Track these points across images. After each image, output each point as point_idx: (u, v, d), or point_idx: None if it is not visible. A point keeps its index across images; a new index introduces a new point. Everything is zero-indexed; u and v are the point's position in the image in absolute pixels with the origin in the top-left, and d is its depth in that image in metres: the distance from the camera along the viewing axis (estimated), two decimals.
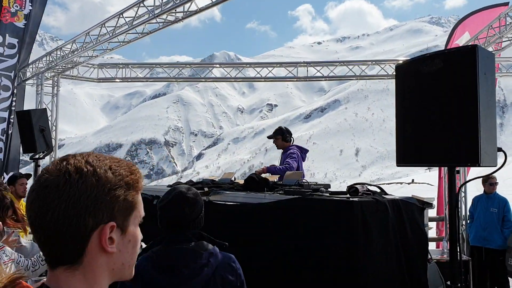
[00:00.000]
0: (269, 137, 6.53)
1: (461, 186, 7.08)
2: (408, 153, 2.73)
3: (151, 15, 6.10)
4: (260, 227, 4.27)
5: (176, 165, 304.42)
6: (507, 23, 6.84)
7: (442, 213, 8.68)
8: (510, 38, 7.15)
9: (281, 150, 6.32)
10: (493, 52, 7.72)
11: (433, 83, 2.50)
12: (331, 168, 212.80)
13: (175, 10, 5.96)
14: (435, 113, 2.49)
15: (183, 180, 6.09)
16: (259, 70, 10.03)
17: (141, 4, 6.26)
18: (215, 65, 10.55)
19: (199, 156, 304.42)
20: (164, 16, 6.15)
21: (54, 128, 9.29)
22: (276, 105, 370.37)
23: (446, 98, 2.44)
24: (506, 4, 7.92)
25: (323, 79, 9.79)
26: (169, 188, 5.54)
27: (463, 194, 8.55)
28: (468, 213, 7.99)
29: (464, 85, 2.36)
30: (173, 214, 2.12)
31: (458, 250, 2.63)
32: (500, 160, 2.50)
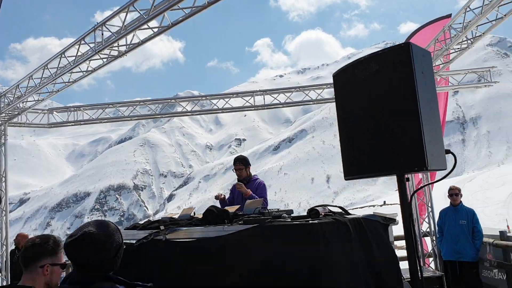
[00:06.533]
0: (239, 163, 6.13)
1: (413, 194, 7.00)
2: (355, 165, 2.55)
3: (92, 52, 5.89)
4: (219, 262, 4.01)
5: (147, 208, 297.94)
6: (452, 35, 6.99)
7: None
8: (457, 49, 7.30)
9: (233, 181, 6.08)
10: (442, 64, 7.88)
11: (371, 87, 2.36)
12: (304, 197, 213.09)
13: (118, 44, 5.78)
14: (375, 119, 2.33)
15: None
16: (215, 102, 9.90)
17: (82, 42, 6.05)
18: (170, 101, 10.35)
19: (170, 197, 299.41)
20: (106, 52, 5.95)
21: (3, 179, 8.78)
22: (244, 139, 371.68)
23: (386, 102, 2.30)
24: (449, 16, 8.14)
25: (281, 105, 9.73)
26: (126, 231, 5.20)
27: (430, 209, 8.51)
28: (436, 228, 7.91)
29: (402, 86, 2.22)
30: (76, 255, 1.87)
31: (419, 266, 2.43)
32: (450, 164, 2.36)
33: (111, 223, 2.04)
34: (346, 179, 2.63)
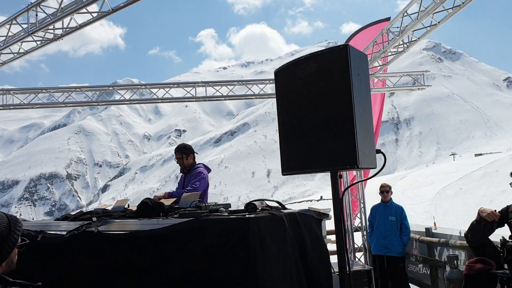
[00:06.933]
0: (180, 152, 5.93)
1: (345, 190, 7.26)
2: (292, 160, 2.61)
3: (25, 33, 5.56)
4: (153, 256, 3.94)
5: (80, 199, 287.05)
6: (390, 38, 7.29)
7: (344, 225, 8.88)
8: (394, 52, 7.62)
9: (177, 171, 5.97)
10: (380, 66, 8.21)
11: (309, 86, 2.42)
12: (244, 190, 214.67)
13: (53, 26, 5.50)
14: (313, 117, 2.40)
15: None
16: (155, 91, 9.69)
17: (14, 22, 5.69)
18: (107, 88, 9.99)
19: (104, 188, 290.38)
20: (41, 34, 5.64)
21: None
22: (184, 131, 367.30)
23: (322, 101, 2.36)
24: (388, 19, 8.48)
25: (223, 98, 9.70)
26: (56, 221, 4.98)
27: (362, 205, 8.85)
28: (368, 223, 8.23)
29: (339, 87, 2.30)
30: None
31: (346, 259, 2.54)
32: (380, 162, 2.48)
33: (2, 213, 1.94)
34: (283, 174, 2.68)
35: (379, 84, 9.25)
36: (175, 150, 5.97)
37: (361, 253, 8.90)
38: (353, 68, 2.28)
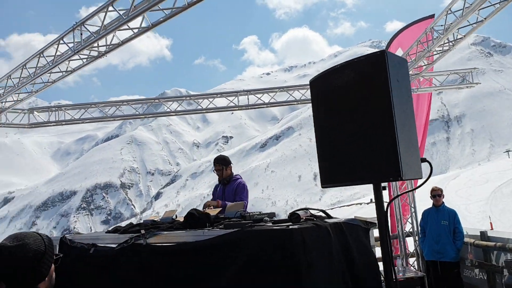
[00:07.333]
0: (220, 164, 6.00)
1: (389, 203, 7.03)
2: (332, 173, 2.52)
3: (71, 52, 5.78)
4: (199, 267, 3.97)
5: (134, 207, 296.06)
6: (434, 37, 7.00)
7: (395, 231, 8.61)
8: (439, 51, 7.32)
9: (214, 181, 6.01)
10: (425, 65, 7.92)
11: (347, 95, 2.33)
12: (292, 194, 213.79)
13: (97, 44, 5.68)
14: (351, 128, 2.30)
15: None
16: (200, 102, 9.83)
17: (61, 41, 5.93)
18: (154, 101, 10.24)
19: (157, 196, 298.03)
20: (86, 52, 5.84)
21: None
22: (231, 137, 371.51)
23: (361, 110, 2.26)
24: (432, 16, 8.16)
25: (265, 105, 9.69)
26: (107, 234, 5.12)
27: (413, 210, 8.54)
28: (419, 228, 7.96)
29: (377, 95, 2.19)
30: None
31: (393, 271, 2.42)
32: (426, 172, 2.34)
33: (34, 233, 2.04)
34: (323, 187, 2.60)
35: (426, 83, 8.93)
36: (214, 161, 6.06)
37: (413, 259, 8.60)
38: (392, 74, 2.16)
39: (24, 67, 6.80)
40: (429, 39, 7.00)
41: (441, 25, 6.52)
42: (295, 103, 9.69)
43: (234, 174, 6.10)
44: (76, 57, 5.95)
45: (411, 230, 8.63)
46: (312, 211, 4.61)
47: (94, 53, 5.87)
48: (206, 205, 5.57)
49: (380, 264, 4.09)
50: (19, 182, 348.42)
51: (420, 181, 2.53)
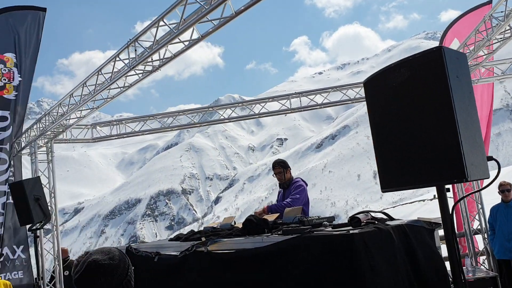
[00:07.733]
0: (280, 167, 5.98)
1: (454, 206, 6.67)
2: (392, 176, 2.42)
3: (127, 68, 6.02)
4: (259, 274, 3.98)
5: (196, 212, 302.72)
6: (493, 24, 6.61)
7: (462, 229, 8.19)
8: (499, 39, 6.91)
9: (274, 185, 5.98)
10: (486, 55, 7.50)
11: (403, 94, 2.24)
12: (351, 194, 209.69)
13: (151, 59, 5.87)
14: (410, 128, 2.20)
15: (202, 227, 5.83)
16: (252, 107, 9.91)
17: (117, 59, 6.18)
18: (208, 109, 10.44)
19: (217, 200, 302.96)
20: (141, 67, 6.05)
21: (52, 195, 9.14)
22: (286, 139, 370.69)
23: (419, 110, 2.16)
24: (490, 2, 7.73)
25: (318, 106, 9.59)
26: (170, 242, 5.26)
27: (480, 206, 8.11)
28: (487, 225, 7.56)
29: (436, 93, 2.09)
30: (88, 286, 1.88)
31: (461, 271, 2.28)
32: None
33: (113, 247, 2.07)
34: (383, 191, 2.51)
35: (487, 73, 8.46)
36: (273, 165, 6.02)
37: (483, 257, 8.15)
38: (450, 71, 2.05)
39: (85, 85, 7.15)
40: (488, 27, 6.61)
41: (501, 11, 6.14)
42: (349, 102, 9.51)
43: (294, 177, 6.06)
44: (132, 72, 6.16)
45: (479, 227, 8.19)
46: (373, 214, 4.49)
47: (149, 68, 6.06)
48: (256, 213, 5.52)
49: (447, 264, 3.90)
50: (88, 193, 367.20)
51: (486, 181, 2.38)
